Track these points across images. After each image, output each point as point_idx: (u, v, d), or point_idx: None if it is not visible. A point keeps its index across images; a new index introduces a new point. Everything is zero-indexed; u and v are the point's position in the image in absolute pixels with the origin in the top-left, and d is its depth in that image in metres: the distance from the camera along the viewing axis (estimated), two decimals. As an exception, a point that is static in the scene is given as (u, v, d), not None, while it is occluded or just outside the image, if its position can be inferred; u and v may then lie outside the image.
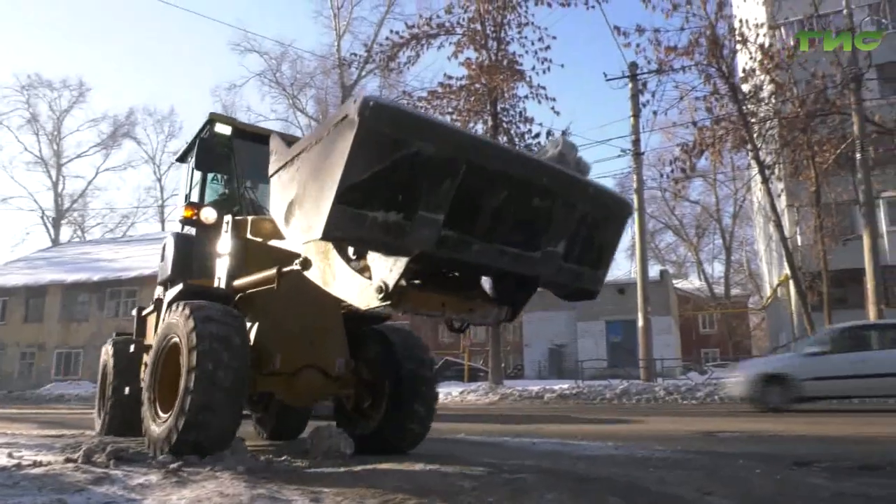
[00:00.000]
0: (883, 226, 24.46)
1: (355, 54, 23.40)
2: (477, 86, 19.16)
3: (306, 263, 3.48)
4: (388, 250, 2.82)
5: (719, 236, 49.48)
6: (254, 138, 6.11)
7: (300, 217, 2.84)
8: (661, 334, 28.70)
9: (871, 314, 17.37)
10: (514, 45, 19.71)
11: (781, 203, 23.84)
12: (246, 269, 4.64)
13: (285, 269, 3.94)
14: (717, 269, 50.65)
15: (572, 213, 3.27)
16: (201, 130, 6.20)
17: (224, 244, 4.91)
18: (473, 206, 2.86)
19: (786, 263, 20.29)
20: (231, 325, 4.04)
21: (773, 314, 35.25)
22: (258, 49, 26.82)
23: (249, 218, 4.81)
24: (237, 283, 4.66)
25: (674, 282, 41.95)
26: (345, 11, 28.97)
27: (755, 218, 36.73)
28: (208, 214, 5.61)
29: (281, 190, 3.12)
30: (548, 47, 19.16)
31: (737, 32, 18.20)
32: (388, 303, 2.92)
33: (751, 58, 18.12)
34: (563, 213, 3.21)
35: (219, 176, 6.38)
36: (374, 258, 3.02)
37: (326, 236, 2.53)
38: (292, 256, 3.69)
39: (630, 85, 20.55)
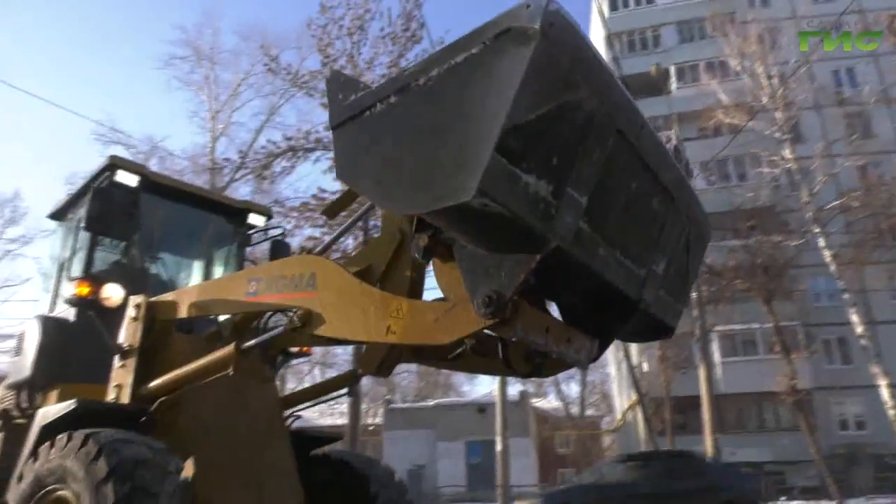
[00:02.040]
0: (717, 357, 26.76)
1: (228, 159, 23.03)
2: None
3: (308, 318, 2.70)
4: (520, 240, 1.97)
5: (576, 358, 51.66)
6: (167, 193, 5.00)
7: (419, 177, 1.97)
8: (520, 456, 28.75)
9: (708, 441, 18.55)
10: (389, 167, 20.28)
11: (630, 331, 25.45)
12: (162, 372, 3.52)
13: (251, 343, 3.07)
14: (575, 389, 52.36)
15: (678, 225, 2.65)
16: (96, 178, 4.86)
17: (130, 334, 3.67)
18: (607, 195, 2.18)
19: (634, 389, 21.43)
20: (168, 471, 2.87)
21: (624, 437, 36.66)
22: (125, 142, 25.67)
23: (170, 297, 3.70)
24: (156, 383, 3.47)
25: (533, 401, 42.83)
26: (223, 115, 28.72)
27: (608, 342, 38.94)
28: (113, 293, 4.25)
29: (367, 143, 2.21)
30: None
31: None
32: (496, 321, 2.10)
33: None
34: (673, 223, 2.60)
35: (107, 240, 4.92)
36: (468, 259, 2.15)
37: (477, 197, 1.73)
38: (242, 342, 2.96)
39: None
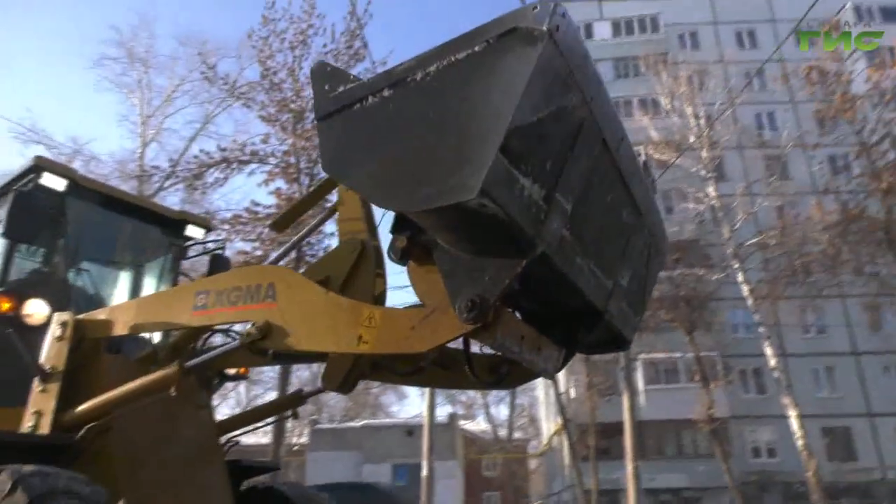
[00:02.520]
0: (640, 384, 27.50)
1: (157, 167, 22.26)
2: (284, 217, 18.98)
3: (268, 330, 2.56)
4: (508, 244, 1.92)
5: (506, 380, 52.01)
6: (97, 200, 4.62)
7: (417, 173, 1.90)
8: (446, 479, 28.64)
9: (629, 468, 18.96)
10: (326, 183, 20.03)
11: (558, 357, 25.90)
12: (88, 397, 3.24)
13: (196, 361, 2.90)
14: (504, 411, 52.75)
15: (643, 239, 2.67)
16: (18, 179, 4.47)
17: (54, 355, 3.40)
18: (587, 204, 2.16)
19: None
20: None
21: (549, 461, 37.12)
22: (46, 142, 24.34)
23: (102, 314, 3.45)
24: (84, 408, 3.20)
25: (462, 423, 42.87)
26: (155, 121, 27.64)
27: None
28: (37, 309, 3.85)
29: (357, 136, 2.13)
30: (358, 190, 19.73)
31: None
32: (479, 325, 2.02)
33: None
34: (638, 237, 2.62)
35: (24, 247, 4.48)
36: (450, 262, 2.09)
37: (479, 197, 1.69)
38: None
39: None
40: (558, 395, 20.15)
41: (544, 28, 1.77)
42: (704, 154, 22.33)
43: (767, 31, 34.34)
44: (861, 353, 29.87)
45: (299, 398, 4.11)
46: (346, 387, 3.02)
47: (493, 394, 54.20)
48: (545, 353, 2.49)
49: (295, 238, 3.88)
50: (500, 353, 2.43)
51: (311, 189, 3.50)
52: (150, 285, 5.38)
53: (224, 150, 19.82)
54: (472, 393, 56.29)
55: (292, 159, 19.94)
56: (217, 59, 22.24)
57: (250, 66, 22.10)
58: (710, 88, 24.53)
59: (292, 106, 19.41)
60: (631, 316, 2.73)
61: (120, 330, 3.40)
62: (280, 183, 19.73)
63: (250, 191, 50.67)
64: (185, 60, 33.26)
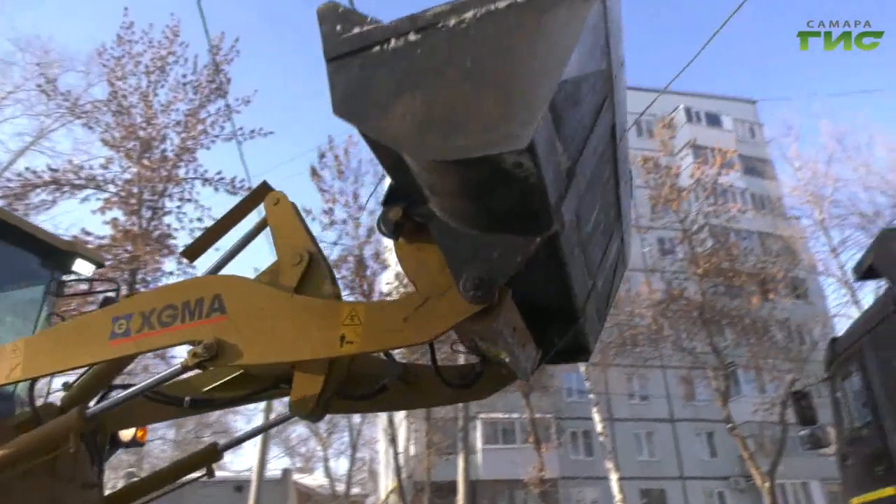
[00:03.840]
0: (479, 443, 27.99)
1: (-32, 184, 19.83)
2: (119, 250, 17.59)
3: (220, 348, 2.21)
4: (523, 219, 1.76)
5: (348, 433, 50.96)
6: None
7: (453, 122, 1.71)
8: (274, 539, 27.15)
9: (461, 529, 19.05)
10: (170, 218, 18.91)
11: (400, 415, 25.81)
12: None
13: (97, 408, 2.54)
14: (344, 465, 51.28)
15: (616, 244, 2.53)
16: None
17: None
18: (590, 191, 2.03)
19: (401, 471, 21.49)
20: None
21: (385, 519, 36.37)
22: None
23: None
24: None
25: (299, 477, 41.07)
26: (-22, 129, 24.95)
27: (378, 419, 39.07)
28: None
29: (377, 80, 1.91)
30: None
31: (380, 258, 20.52)
32: (485, 304, 1.86)
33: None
34: (614, 241, 2.48)
35: None
36: (453, 237, 1.91)
37: (525, 150, 1.51)
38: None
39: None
40: (396, 454, 19.98)
41: None
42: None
43: (614, 119, 37.79)
44: (677, 419, 32.58)
45: (214, 453, 3.59)
46: (317, 412, 2.60)
47: (336, 446, 52.74)
48: (528, 351, 2.33)
49: (220, 258, 3.39)
50: (476, 354, 2.28)
51: (228, 212, 3.15)
52: (19, 327, 4.64)
53: (55, 171, 18.11)
54: (312, 445, 54.29)
55: (135, 189, 18.66)
56: (60, 73, 20.54)
57: (99, 83, 20.72)
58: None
59: (141, 133, 18.31)
60: (596, 324, 2.61)
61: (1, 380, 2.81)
62: (118, 213, 18.29)
63: (82, 217, 46.19)
64: (22, 67, 30.38)
